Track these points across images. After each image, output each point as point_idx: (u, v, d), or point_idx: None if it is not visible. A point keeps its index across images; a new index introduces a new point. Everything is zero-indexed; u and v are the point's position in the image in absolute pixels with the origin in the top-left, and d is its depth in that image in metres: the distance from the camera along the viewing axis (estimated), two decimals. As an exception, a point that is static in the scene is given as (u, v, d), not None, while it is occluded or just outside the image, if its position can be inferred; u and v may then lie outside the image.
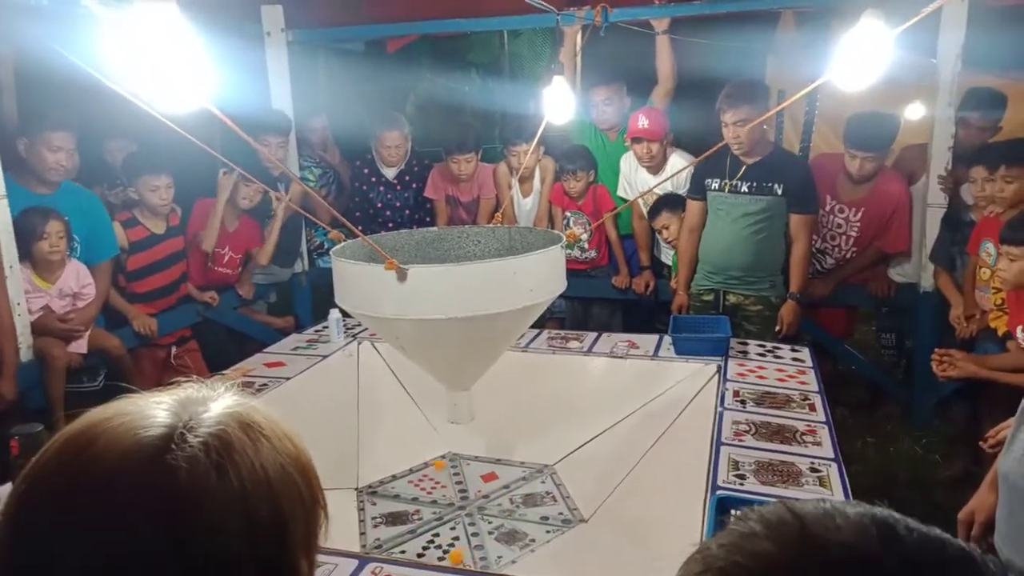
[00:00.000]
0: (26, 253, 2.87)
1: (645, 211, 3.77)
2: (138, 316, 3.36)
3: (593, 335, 3.20)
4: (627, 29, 3.79)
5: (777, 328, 3.22)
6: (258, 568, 0.57)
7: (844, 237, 3.60)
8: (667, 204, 3.60)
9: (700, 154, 2.96)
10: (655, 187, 3.54)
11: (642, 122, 3.56)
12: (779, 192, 3.15)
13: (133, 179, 3.44)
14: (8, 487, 1.83)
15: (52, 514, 0.55)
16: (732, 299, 3.31)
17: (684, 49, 3.96)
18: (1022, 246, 2.55)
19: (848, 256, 3.63)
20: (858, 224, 3.54)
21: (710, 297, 3.36)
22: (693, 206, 3.39)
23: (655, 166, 3.66)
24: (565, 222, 4.00)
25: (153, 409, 0.60)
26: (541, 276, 2.05)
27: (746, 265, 3.24)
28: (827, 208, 3.57)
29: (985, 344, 2.93)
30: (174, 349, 3.64)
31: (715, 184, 3.26)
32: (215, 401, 0.62)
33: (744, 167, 3.17)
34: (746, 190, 3.18)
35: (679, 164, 3.59)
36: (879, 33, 1.82)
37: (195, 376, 0.70)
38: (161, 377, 3.59)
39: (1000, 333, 2.84)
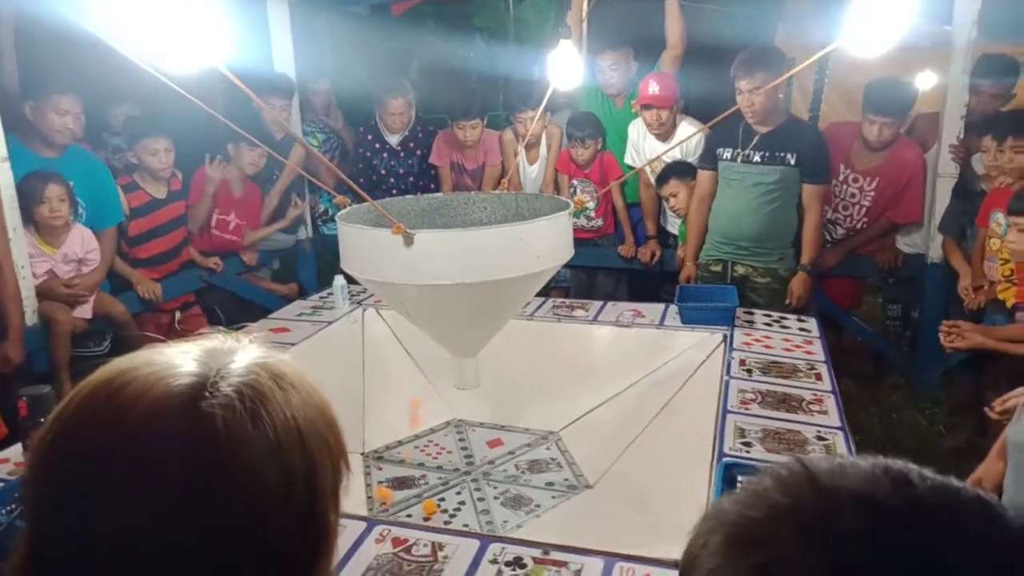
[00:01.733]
0: (29, 217, 2.86)
1: (653, 179, 3.74)
2: (143, 281, 3.36)
3: (599, 304, 3.19)
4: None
5: (788, 301, 3.20)
6: (291, 517, 0.57)
7: (857, 207, 3.56)
8: (675, 172, 3.56)
9: (709, 121, 2.91)
10: (663, 154, 3.49)
11: (652, 88, 3.50)
12: (792, 162, 3.11)
13: (133, 143, 3.42)
14: (18, 448, 1.83)
15: (83, 464, 0.54)
16: (740, 270, 3.29)
17: (693, 14, 3.89)
18: None
19: (859, 226, 3.60)
20: (872, 194, 3.50)
21: (718, 268, 3.34)
22: (704, 176, 3.35)
23: (664, 133, 3.61)
24: (572, 190, 3.97)
25: (181, 358, 0.59)
26: (549, 243, 2.03)
27: (756, 236, 3.21)
28: (841, 178, 3.52)
29: (993, 315, 2.92)
30: (178, 314, 3.64)
31: (727, 154, 3.22)
32: (242, 352, 0.62)
33: (757, 136, 3.13)
34: (759, 160, 3.14)
35: (689, 131, 3.54)
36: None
37: (219, 328, 0.69)
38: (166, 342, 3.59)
39: (1008, 304, 2.83)
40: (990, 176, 3.11)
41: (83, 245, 3.07)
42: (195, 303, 3.72)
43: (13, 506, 1.55)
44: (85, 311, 3.07)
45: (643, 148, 3.73)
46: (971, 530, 0.43)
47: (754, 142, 3.13)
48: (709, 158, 3.31)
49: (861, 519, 0.43)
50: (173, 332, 3.62)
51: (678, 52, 3.82)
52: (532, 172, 4.09)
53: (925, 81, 4.51)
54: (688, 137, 3.47)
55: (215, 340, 0.63)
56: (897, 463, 0.48)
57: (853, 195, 3.54)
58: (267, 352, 0.63)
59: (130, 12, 1.17)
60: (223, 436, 0.54)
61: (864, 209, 3.55)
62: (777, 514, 0.45)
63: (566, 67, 2.75)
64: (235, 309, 3.81)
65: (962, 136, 3.33)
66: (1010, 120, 3.00)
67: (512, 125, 4.04)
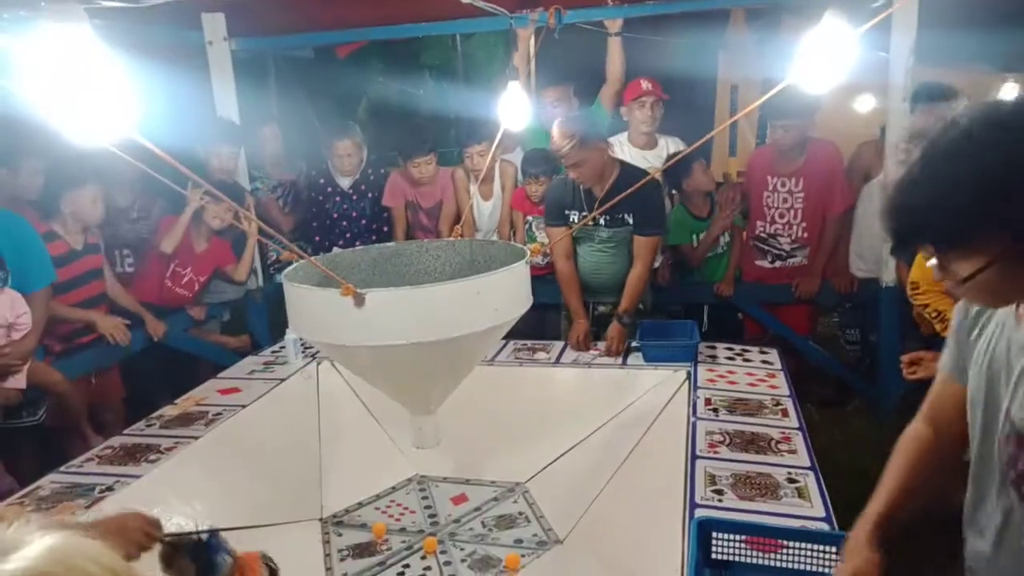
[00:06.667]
0: (-46, 285, 2.68)
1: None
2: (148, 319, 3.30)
3: (560, 345, 3.14)
4: (577, 28, 3.73)
5: (608, 347, 3.03)
6: None
7: (793, 211, 3.67)
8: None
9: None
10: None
11: (645, 84, 3.62)
12: (630, 221, 3.07)
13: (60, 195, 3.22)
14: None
15: None
16: (602, 308, 3.25)
17: (634, 46, 3.92)
18: None
19: (801, 233, 3.67)
20: (802, 194, 3.63)
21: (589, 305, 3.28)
22: (554, 232, 3.22)
23: (650, 136, 3.67)
24: (527, 226, 3.94)
25: None
26: (506, 294, 1.96)
27: (612, 284, 3.17)
28: (770, 187, 3.68)
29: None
30: (93, 380, 3.38)
31: (575, 216, 3.15)
32: (3, 562, 0.48)
33: (597, 200, 3.04)
34: (603, 223, 3.09)
35: (670, 143, 3.67)
36: (841, 34, 1.79)
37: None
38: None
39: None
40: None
41: (12, 309, 2.89)
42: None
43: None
44: (19, 381, 2.88)
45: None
46: None
47: (596, 204, 3.02)
48: (557, 215, 3.20)
49: None
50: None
51: (618, 87, 3.86)
52: (487, 209, 4.04)
53: (862, 108, 4.65)
54: (661, 167, 3.47)
55: None
56: None
57: (785, 199, 3.66)
58: (46, 557, 0.49)
59: (40, 78, 1.08)
60: None
61: (799, 212, 3.65)
62: None
63: (515, 108, 2.72)
64: (184, 366, 3.64)
65: (906, 161, 3.39)
66: None
67: (463, 161, 3.99)
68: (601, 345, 3.07)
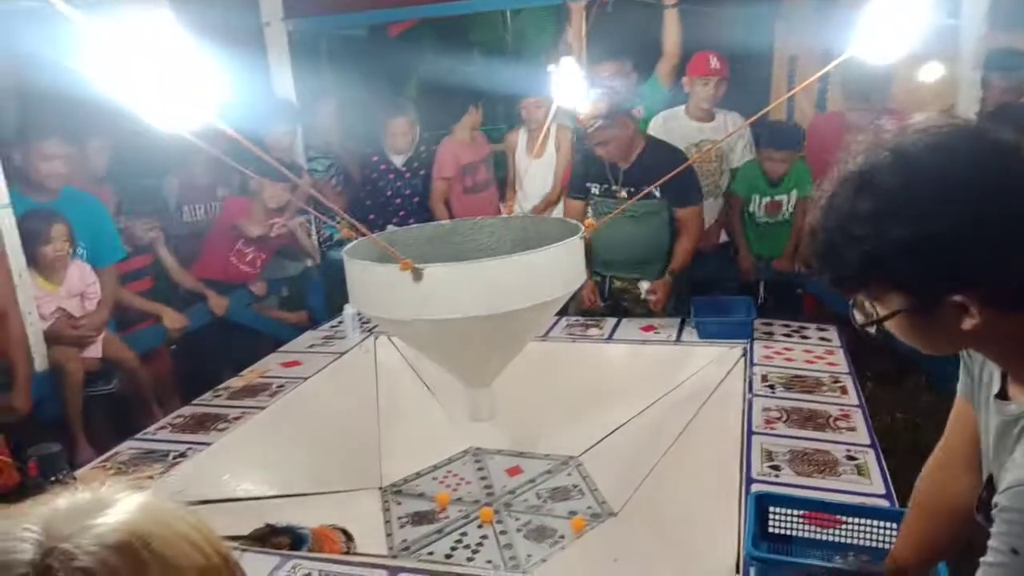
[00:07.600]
0: (31, 258, 2.82)
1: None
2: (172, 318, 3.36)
3: (612, 321, 3.14)
4: (630, 1, 3.68)
5: (644, 298, 3.10)
6: None
7: None
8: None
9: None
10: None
11: (713, 62, 3.52)
12: (657, 195, 2.97)
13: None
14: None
15: None
16: (619, 283, 3.26)
17: (690, 18, 3.84)
18: None
19: None
20: None
21: (597, 278, 3.30)
22: (572, 204, 3.27)
23: (708, 111, 3.60)
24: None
25: (17, 533, 0.48)
26: (561, 269, 1.98)
27: (629, 260, 3.18)
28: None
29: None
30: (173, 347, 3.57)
31: (596, 188, 3.14)
32: (102, 516, 0.50)
33: (622, 173, 3.04)
34: (625, 195, 3.03)
35: (730, 118, 3.60)
36: (909, 2, 1.73)
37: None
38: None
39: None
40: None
41: (82, 279, 3.03)
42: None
43: None
44: (95, 350, 3.04)
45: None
46: None
47: (620, 178, 3.04)
48: (578, 188, 3.23)
49: None
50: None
51: (676, 62, 3.77)
52: (535, 169, 3.96)
53: (931, 75, 4.46)
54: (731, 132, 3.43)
55: (77, 495, 0.52)
56: None
57: None
58: (140, 514, 0.51)
59: (120, 63, 1.13)
60: None
61: None
62: None
63: (570, 84, 2.70)
64: (247, 341, 3.77)
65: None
66: None
67: (514, 126, 4.02)
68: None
